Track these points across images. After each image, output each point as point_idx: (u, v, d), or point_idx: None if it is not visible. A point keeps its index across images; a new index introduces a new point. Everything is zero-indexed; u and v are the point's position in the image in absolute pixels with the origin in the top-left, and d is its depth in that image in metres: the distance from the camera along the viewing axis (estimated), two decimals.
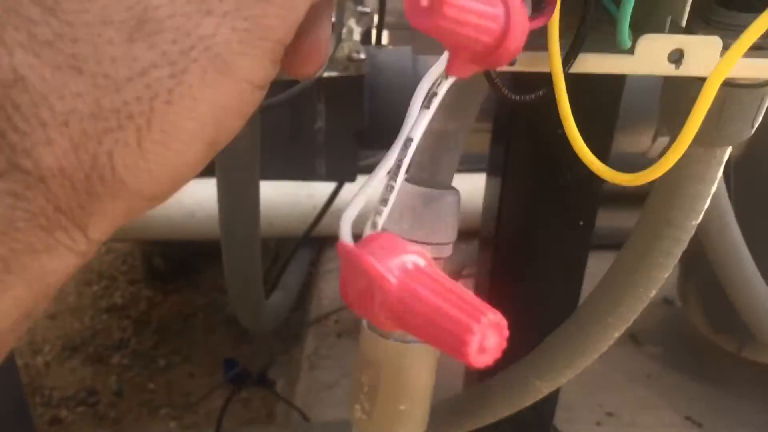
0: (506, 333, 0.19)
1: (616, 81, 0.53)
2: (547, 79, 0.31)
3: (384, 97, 0.85)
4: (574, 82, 0.51)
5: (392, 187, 0.27)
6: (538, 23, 0.29)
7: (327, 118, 0.82)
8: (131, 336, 1.37)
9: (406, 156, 0.27)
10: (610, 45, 0.32)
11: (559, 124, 0.51)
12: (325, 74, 0.77)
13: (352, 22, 0.86)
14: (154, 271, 1.48)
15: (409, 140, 0.27)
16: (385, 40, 1.13)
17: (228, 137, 0.23)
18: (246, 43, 0.21)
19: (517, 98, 0.30)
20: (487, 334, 0.18)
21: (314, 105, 0.81)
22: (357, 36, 0.86)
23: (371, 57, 0.86)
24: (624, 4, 0.29)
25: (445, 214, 0.52)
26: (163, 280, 1.48)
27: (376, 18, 0.83)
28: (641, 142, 0.78)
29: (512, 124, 0.55)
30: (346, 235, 0.25)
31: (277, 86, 0.87)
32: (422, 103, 0.27)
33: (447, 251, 0.54)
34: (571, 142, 0.28)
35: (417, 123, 0.27)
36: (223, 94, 0.21)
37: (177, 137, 0.21)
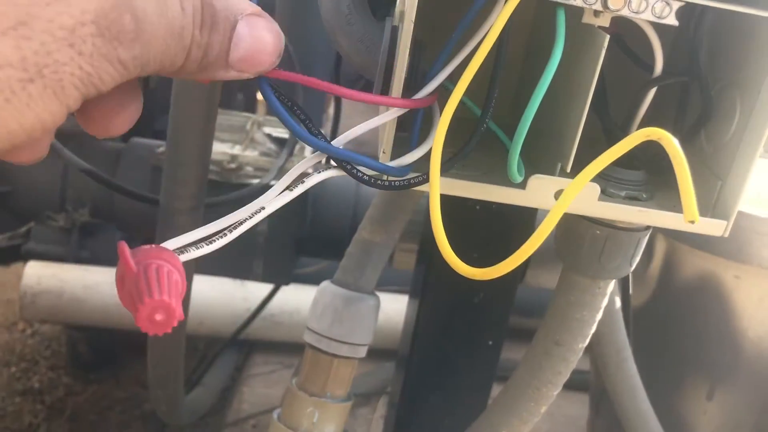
0: (176, 315, 0.26)
1: (528, 215, 0.59)
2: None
3: (326, 207, 0.91)
4: (491, 214, 0.57)
5: (225, 235, 0.32)
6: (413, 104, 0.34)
7: (269, 222, 0.87)
8: (42, 422, 1.33)
9: (253, 218, 0.32)
10: (505, 180, 0.38)
11: (474, 247, 0.57)
12: (273, 182, 0.82)
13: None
14: (78, 359, 1.45)
15: (261, 208, 0.32)
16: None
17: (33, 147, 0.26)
18: (83, 83, 0.24)
19: (381, 182, 0.35)
20: (157, 310, 0.26)
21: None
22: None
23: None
24: (514, 143, 0.35)
25: (363, 317, 0.56)
26: (86, 369, 1.45)
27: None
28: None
29: (433, 245, 0.61)
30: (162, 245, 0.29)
31: (225, 187, 0.92)
32: (289, 185, 0.32)
33: (362, 352, 0.58)
34: (436, 238, 0.33)
35: (276, 200, 0.32)
36: (48, 112, 0.24)
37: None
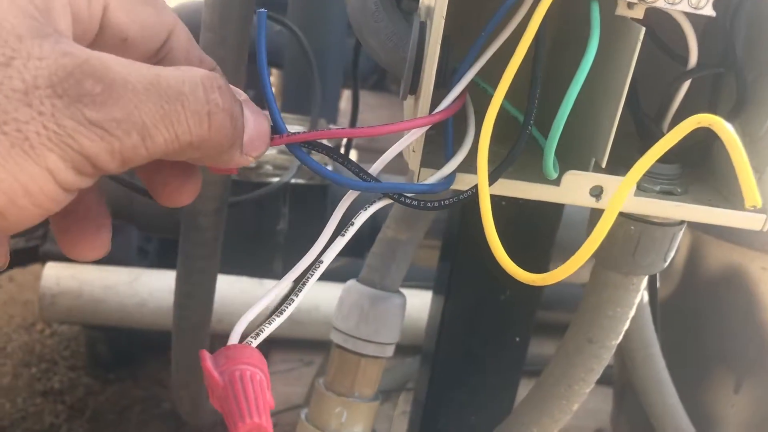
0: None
1: (554, 211, 0.58)
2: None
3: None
4: (515, 209, 0.56)
5: (292, 301, 0.31)
6: (439, 117, 0.34)
7: (290, 220, 0.86)
8: (63, 422, 1.34)
9: (314, 275, 0.31)
10: (538, 176, 0.37)
11: (501, 242, 0.55)
12: (293, 180, 0.82)
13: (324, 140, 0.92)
14: (97, 359, 1.46)
15: (319, 262, 0.31)
16: (353, 156, 1.19)
17: (18, 222, 0.24)
18: (54, 142, 0.23)
19: (431, 204, 0.34)
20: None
21: (279, 207, 0.85)
22: None
23: (336, 169, 0.92)
24: (550, 140, 0.34)
25: (390, 315, 0.55)
26: (105, 369, 1.46)
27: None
28: (581, 274, 0.84)
29: (459, 242, 0.60)
30: (235, 336, 0.30)
31: (245, 185, 0.91)
32: (337, 230, 0.32)
33: (389, 351, 0.57)
34: (493, 250, 0.33)
35: (331, 249, 0.32)
36: (24, 173, 0.23)
37: None
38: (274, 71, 1.78)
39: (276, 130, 0.32)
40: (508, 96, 0.36)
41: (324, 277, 1.12)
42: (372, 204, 0.34)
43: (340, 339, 0.55)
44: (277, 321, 0.30)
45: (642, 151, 0.41)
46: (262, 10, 0.32)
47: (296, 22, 1.35)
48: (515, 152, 0.34)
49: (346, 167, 0.34)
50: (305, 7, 1.36)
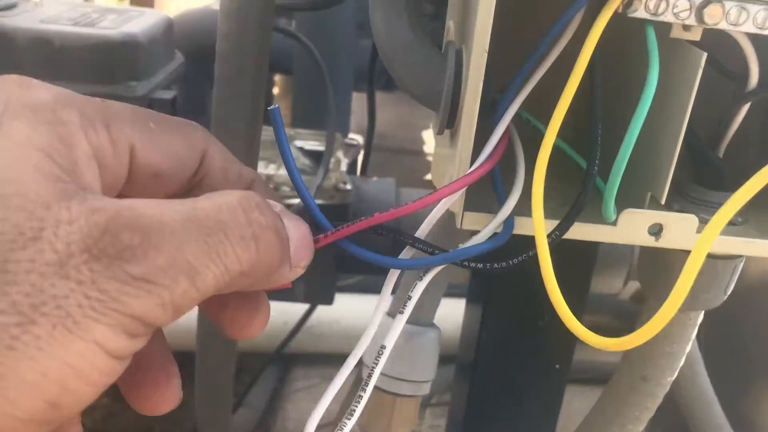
0: None
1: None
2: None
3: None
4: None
5: (361, 398, 0.29)
6: (485, 169, 0.31)
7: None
8: None
9: (379, 362, 0.29)
10: (593, 214, 0.34)
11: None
12: (318, 201, 0.80)
13: (339, 154, 0.89)
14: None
15: (382, 347, 0.29)
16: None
17: (76, 404, 0.22)
18: (98, 311, 0.22)
19: (499, 266, 0.31)
20: None
21: None
22: (344, 166, 0.89)
23: (356, 187, 0.89)
24: (611, 183, 0.31)
25: (425, 351, 0.52)
26: None
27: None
28: (613, 284, 0.81)
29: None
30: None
31: None
32: (393, 308, 0.29)
33: (425, 389, 0.54)
34: (556, 307, 0.30)
35: (393, 329, 0.29)
36: (71, 353, 0.21)
37: (15, 384, 0.21)
38: (277, 76, 1.75)
39: (319, 228, 0.30)
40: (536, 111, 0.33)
41: (343, 290, 1.10)
42: (427, 272, 0.31)
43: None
44: (350, 422, 0.28)
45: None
46: (276, 107, 0.29)
47: (303, 27, 1.32)
48: (576, 210, 0.31)
49: (413, 246, 0.31)
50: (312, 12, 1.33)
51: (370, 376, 0.29)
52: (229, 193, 0.25)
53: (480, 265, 0.30)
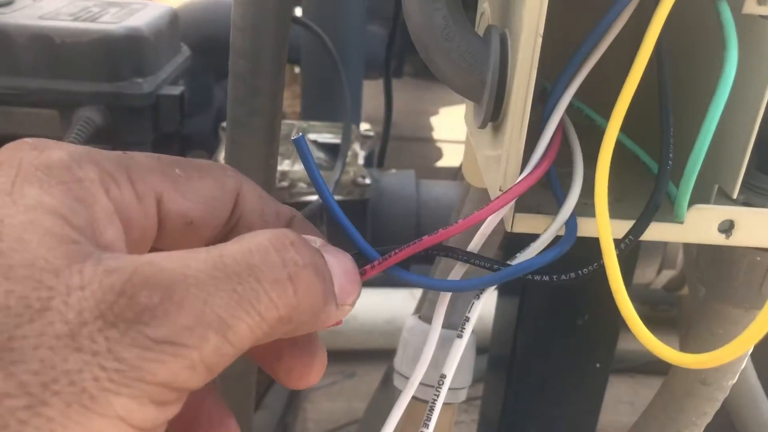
0: None
1: None
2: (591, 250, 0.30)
3: (386, 220, 0.84)
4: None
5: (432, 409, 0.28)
6: (538, 174, 0.28)
7: (329, 239, 0.80)
8: None
9: (440, 393, 0.27)
10: (659, 212, 0.31)
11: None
12: (336, 197, 0.76)
13: (356, 146, 0.86)
14: None
15: (442, 376, 0.26)
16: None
17: None
18: (117, 383, 0.20)
19: (567, 277, 0.28)
20: None
21: (317, 227, 0.79)
22: (361, 159, 0.86)
23: (375, 181, 0.86)
24: (685, 180, 0.28)
25: (462, 357, 0.49)
26: None
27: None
28: (646, 273, 0.78)
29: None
30: None
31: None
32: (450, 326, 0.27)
33: (461, 396, 0.52)
34: (628, 323, 0.27)
35: (452, 357, 0.27)
36: (93, 430, 0.19)
37: None
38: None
39: (365, 260, 0.28)
40: (605, 114, 0.30)
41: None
42: (483, 291, 0.28)
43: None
44: None
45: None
46: (300, 135, 0.27)
47: (309, 13, 1.29)
48: (655, 206, 0.28)
49: (475, 265, 0.28)
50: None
51: (432, 409, 0.26)
52: (261, 233, 0.23)
53: (546, 278, 0.27)
